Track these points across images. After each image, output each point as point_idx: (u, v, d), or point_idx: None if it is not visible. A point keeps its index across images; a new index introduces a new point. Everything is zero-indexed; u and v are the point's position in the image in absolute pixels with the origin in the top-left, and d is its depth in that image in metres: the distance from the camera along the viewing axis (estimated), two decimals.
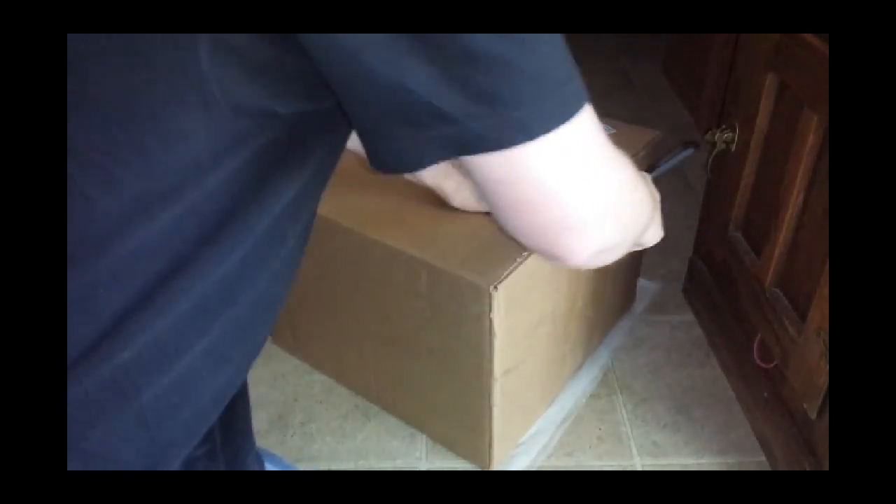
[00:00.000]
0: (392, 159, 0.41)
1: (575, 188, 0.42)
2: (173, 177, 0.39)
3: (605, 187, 0.44)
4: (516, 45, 0.37)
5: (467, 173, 0.42)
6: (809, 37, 0.95)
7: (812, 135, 0.97)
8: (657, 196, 0.69)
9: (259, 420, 1.26)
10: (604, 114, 1.37)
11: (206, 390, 0.49)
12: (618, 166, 0.46)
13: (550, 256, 0.45)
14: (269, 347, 1.40)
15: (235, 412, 0.56)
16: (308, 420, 1.26)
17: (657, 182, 0.75)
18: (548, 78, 0.39)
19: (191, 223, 0.41)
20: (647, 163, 0.97)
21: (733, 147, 1.21)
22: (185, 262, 0.42)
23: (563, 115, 0.39)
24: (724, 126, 1.23)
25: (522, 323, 1.03)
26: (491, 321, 0.94)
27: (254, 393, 1.29)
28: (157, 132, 0.38)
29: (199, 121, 0.38)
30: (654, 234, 0.65)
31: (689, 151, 0.95)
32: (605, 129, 1.38)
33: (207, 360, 0.46)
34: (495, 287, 0.91)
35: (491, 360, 0.99)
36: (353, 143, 0.45)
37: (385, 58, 0.36)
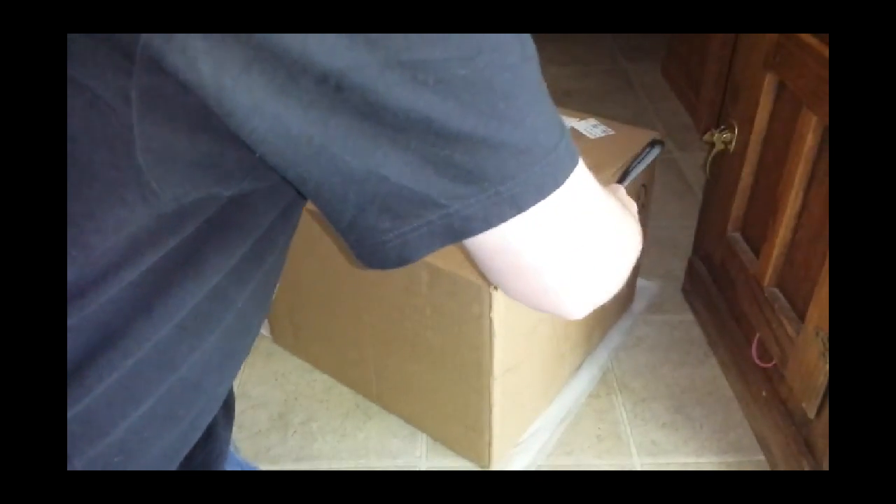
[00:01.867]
0: (379, 256, 0.38)
1: (571, 248, 0.40)
2: (110, 261, 0.37)
3: (601, 240, 0.43)
4: (496, 121, 0.34)
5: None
6: (808, 37, 0.95)
7: (811, 135, 0.97)
8: (634, 207, 0.66)
9: (259, 419, 1.26)
10: (602, 114, 1.39)
11: (154, 449, 0.46)
12: (608, 210, 0.44)
13: (553, 314, 0.44)
14: (270, 347, 1.40)
15: (195, 446, 0.53)
16: (309, 419, 1.26)
17: (629, 188, 0.74)
18: (535, 148, 0.35)
19: (124, 298, 0.39)
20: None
21: (732, 147, 1.21)
22: (115, 335, 0.39)
23: (554, 181, 0.37)
24: (722, 126, 1.24)
25: (522, 322, 1.03)
26: (491, 321, 0.94)
27: (254, 392, 1.31)
28: (95, 228, 0.36)
29: (139, 212, 0.36)
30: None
31: (657, 151, 0.94)
32: (604, 131, 1.37)
33: (151, 423, 0.44)
34: (495, 287, 0.91)
35: (491, 360, 0.99)
36: None
37: (352, 148, 0.33)
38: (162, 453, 0.48)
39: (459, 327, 0.99)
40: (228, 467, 0.61)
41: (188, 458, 0.53)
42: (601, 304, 0.45)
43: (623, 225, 0.47)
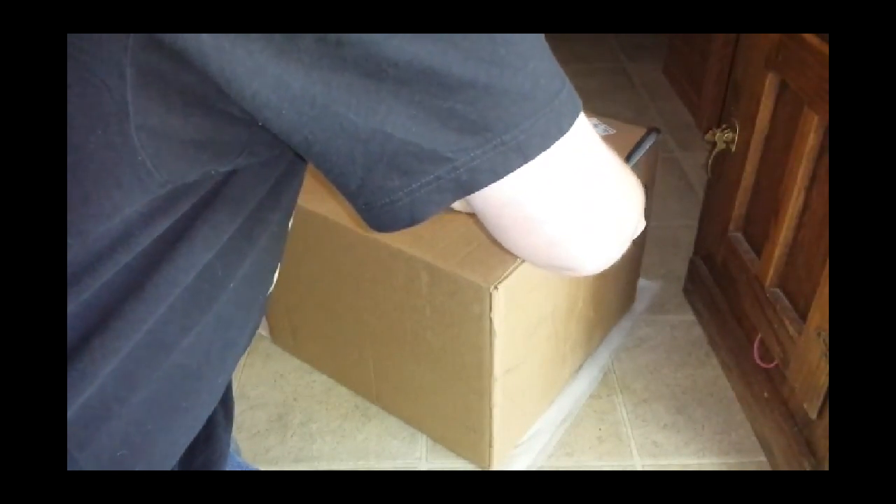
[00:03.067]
0: (390, 217, 0.37)
1: (577, 198, 0.40)
2: (105, 245, 0.37)
3: (605, 190, 0.43)
4: (498, 68, 0.33)
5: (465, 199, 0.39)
6: (810, 37, 0.95)
7: (812, 134, 0.97)
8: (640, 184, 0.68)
9: (258, 420, 1.26)
10: (604, 113, 1.38)
11: (158, 442, 0.46)
12: (612, 164, 0.44)
13: (561, 270, 0.44)
14: (270, 347, 1.40)
15: (196, 447, 0.53)
16: (308, 420, 1.26)
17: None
18: (538, 94, 0.35)
19: (118, 281, 0.39)
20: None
21: (733, 147, 1.21)
22: (109, 318, 0.39)
23: (558, 128, 0.36)
24: (724, 126, 1.23)
25: (523, 323, 1.03)
26: (491, 321, 0.94)
27: (254, 393, 1.30)
28: (91, 213, 0.36)
29: (134, 194, 0.36)
30: (640, 225, 0.64)
31: (654, 137, 0.96)
32: (605, 130, 1.38)
33: (152, 411, 0.44)
34: (496, 287, 0.91)
35: (491, 360, 0.99)
36: None
37: (356, 105, 0.33)
38: (167, 446, 0.48)
39: (459, 327, 0.99)
40: (229, 469, 0.61)
41: (189, 458, 0.53)
42: (610, 259, 0.44)
43: (624, 175, 0.46)
